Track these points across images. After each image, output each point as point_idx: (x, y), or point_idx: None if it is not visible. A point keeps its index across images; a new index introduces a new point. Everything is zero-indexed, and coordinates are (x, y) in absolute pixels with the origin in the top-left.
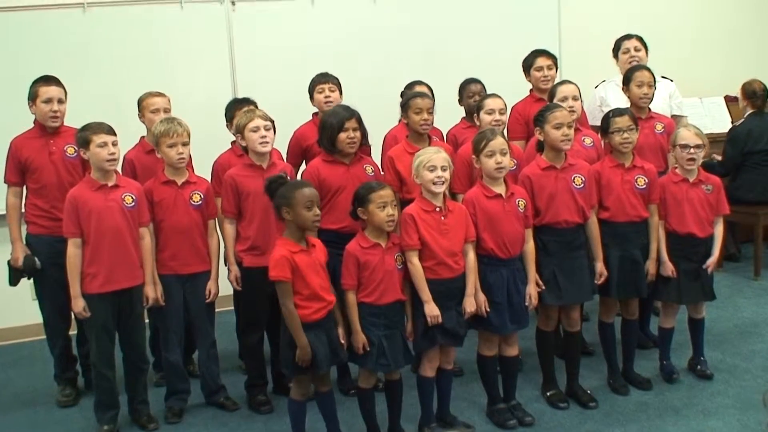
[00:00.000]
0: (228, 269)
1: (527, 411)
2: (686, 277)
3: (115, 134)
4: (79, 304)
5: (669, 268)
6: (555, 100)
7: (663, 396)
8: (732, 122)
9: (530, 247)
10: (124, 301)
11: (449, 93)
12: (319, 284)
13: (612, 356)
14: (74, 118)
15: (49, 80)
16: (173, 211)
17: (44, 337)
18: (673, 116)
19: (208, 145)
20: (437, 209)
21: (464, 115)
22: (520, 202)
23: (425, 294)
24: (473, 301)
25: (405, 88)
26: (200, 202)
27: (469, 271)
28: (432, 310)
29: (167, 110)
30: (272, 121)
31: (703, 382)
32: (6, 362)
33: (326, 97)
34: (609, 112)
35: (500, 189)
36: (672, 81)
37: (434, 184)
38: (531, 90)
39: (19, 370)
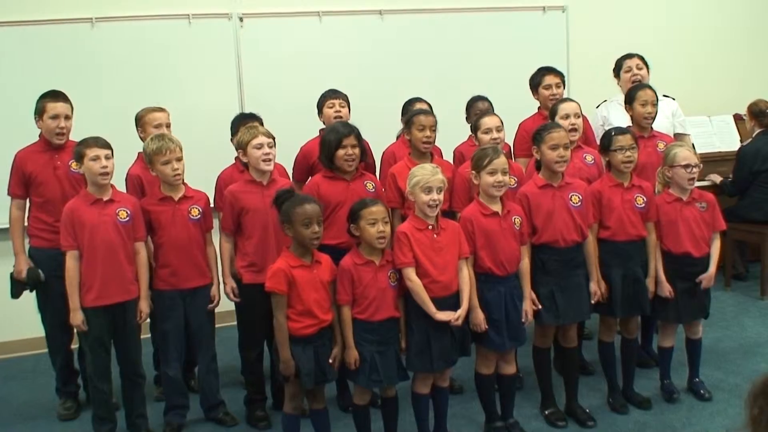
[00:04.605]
0: (224, 283)
1: (525, 429)
2: (683, 297)
3: (109, 148)
4: (77, 317)
5: (666, 289)
6: (557, 118)
7: (662, 416)
8: (741, 141)
9: (525, 264)
10: (118, 316)
11: (455, 110)
12: (316, 301)
13: (612, 375)
14: (82, 132)
15: (56, 96)
16: (172, 226)
17: (46, 350)
18: (676, 135)
19: (214, 159)
20: (430, 227)
21: (471, 132)
22: (516, 220)
23: (431, 307)
24: (464, 314)
25: (405, 105)
26: (199, 216)
27: (463, 285)
28: (445, 316)
29: (168, 125)
30: (274, 138)
31: (703, 402)
32: (8, 375)
33: (336, 111)
34: (611, 130)
35: (497, 207)
36: (674, 99)
37: (428, 206)
38: (539, 107)
39: (21, 383)
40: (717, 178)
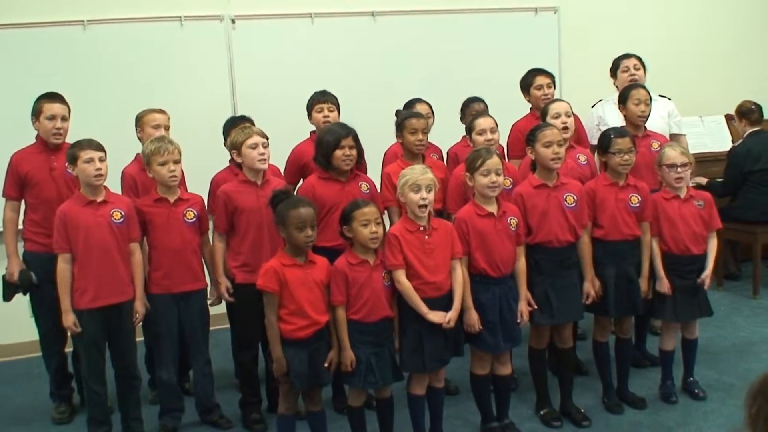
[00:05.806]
0: (218, 282)
1: (520, 430)
2: (682, 295)
3: (103, 150)
4: (69, 319)
5: (666, 285)
6: (548, 118)
7: (657, 415)
8: (732, 141)
9: (521, 264)
10: (113, 317)
11: (448, 111)
12: (309, 301)
13: (606, 375)
14: (75, 134)
15: (53, 97)
16: (166, 229)
17: (40, 354)
18: (671, 135)
19: (207, 162)
20: (421, 228)
21: (465, 133)
22: (512, 221)
23: (422, 308)
24: (456, 315)
25: (404, 106)
26: (194, 219)
27: (456, 286)
28: (436, 317)
29: (167, 127)
30: (267, 138)
31: (698, 402)
32: (2, 379)
33: (325, 116)
34: (609, 131)
35: (492, 208)
36: (670, 99)
37: (419, 206)
38: (531, 108)
39: (15, 387)
40: (702, 180)
